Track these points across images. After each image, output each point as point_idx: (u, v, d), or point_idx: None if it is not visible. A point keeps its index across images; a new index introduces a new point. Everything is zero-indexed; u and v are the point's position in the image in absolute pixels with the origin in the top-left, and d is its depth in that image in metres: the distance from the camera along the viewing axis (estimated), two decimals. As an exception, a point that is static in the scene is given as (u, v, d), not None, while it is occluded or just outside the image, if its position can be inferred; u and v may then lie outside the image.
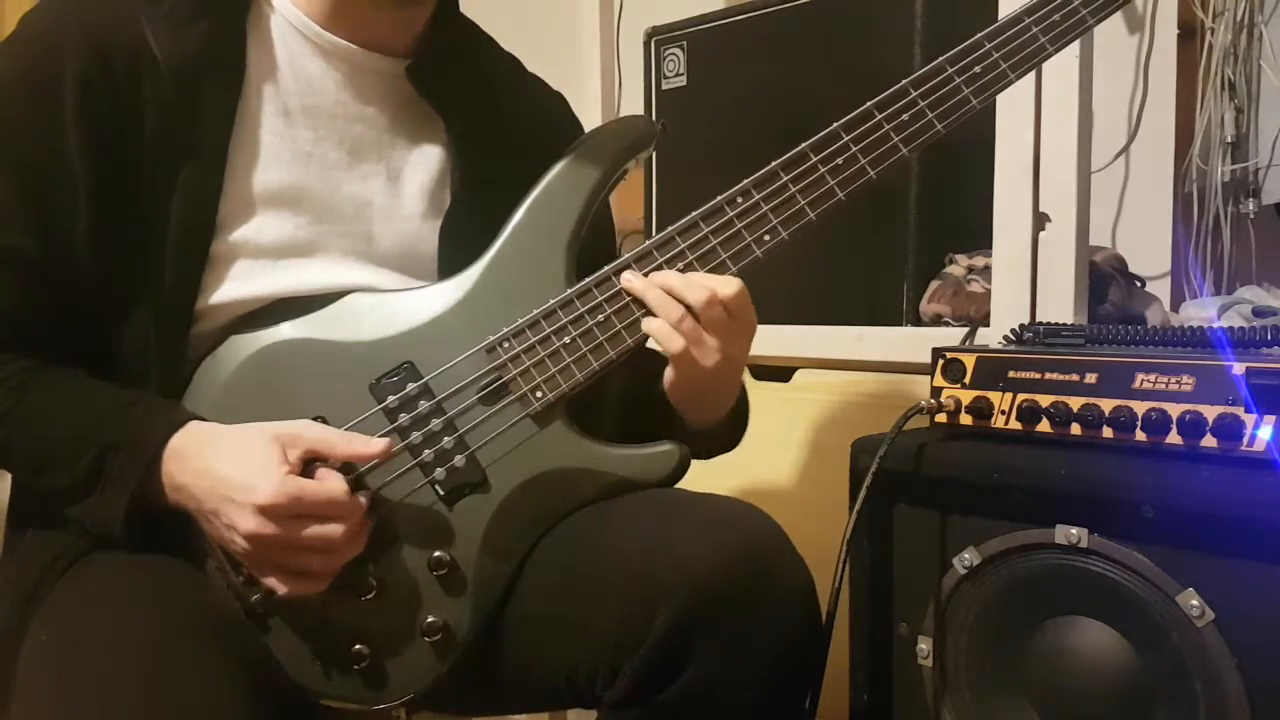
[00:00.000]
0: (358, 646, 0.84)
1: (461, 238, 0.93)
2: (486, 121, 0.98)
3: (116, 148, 0.83)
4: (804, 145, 0.89)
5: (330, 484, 0.80)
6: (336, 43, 0.91)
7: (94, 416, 0.82)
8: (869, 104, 0.89)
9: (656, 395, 0.93)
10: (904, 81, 0.89)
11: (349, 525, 0.79)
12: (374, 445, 0.82)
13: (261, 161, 0.88)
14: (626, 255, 0.89)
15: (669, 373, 0.90)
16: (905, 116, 0.89)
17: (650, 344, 0.89)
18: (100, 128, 0.82)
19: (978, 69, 0.88)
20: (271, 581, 0.80)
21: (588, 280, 0.89)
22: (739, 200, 0.89)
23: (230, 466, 0.78)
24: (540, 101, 1.07)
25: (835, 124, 0.89)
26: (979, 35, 0.89)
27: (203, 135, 0.85)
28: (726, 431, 1.00)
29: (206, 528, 0.81)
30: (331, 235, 0.91)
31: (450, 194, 0.96)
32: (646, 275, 0.88)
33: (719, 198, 0.89)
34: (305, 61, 0.91)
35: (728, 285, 0.87)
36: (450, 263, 0.93)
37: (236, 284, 0.86)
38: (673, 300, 0.86)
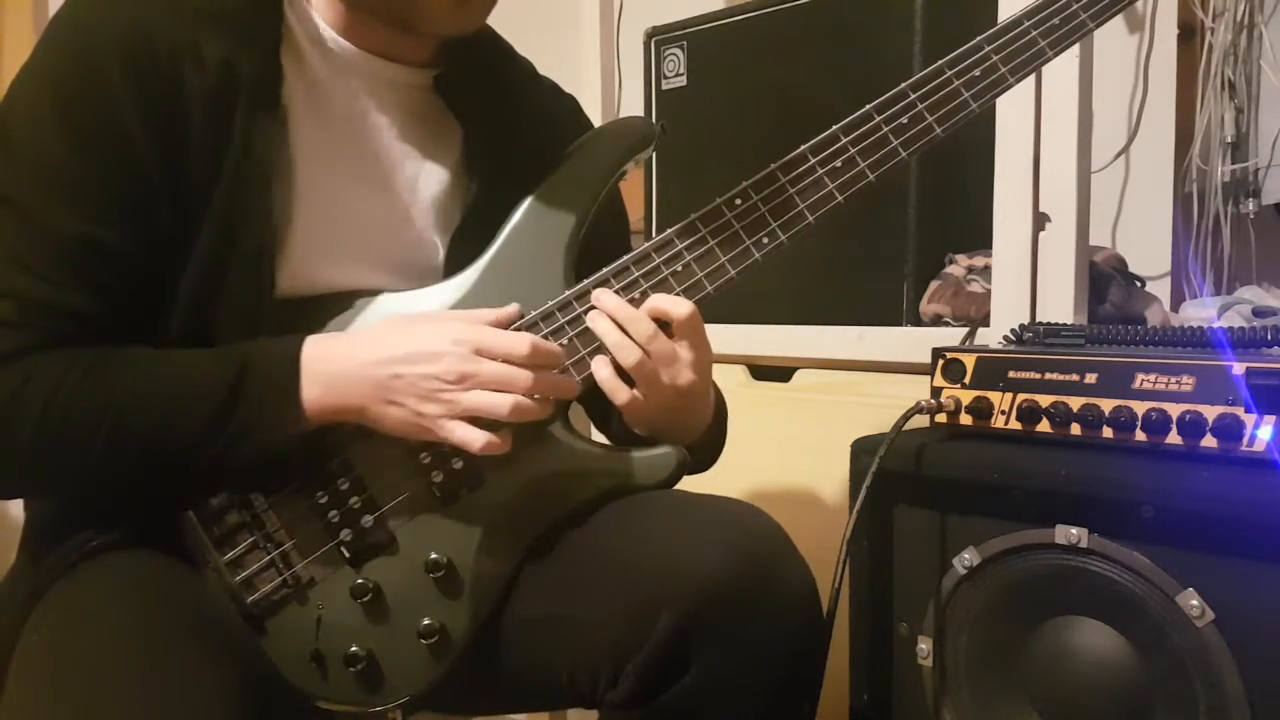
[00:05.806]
0: (354, 649, 0.84)
1: (471, 251, 0.92)
2: (504, 134, 0.96)
3: (171, 139, 0.80)
4: (803, 148, 0.89)
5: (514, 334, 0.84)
6: (355, 53, 0.90)
7: (203, 361, 0.80)
8: (868, 107, 0.89)
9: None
10: (903, 85, 0.89)
11: (529, 374, 0.82)
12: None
13: (284, 173, 0.85)
14: (624, 258, 0.89)
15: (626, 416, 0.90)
16: (904, 120, 0.88)
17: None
18: (160, 127, 0.79)
19: (977, 73, 0.88)
20: (462, 433, 0.81)
21: (586, 282, 0.89)
22: (738, 202, 0.89)
23: (394, 337, 0.82)
24: (555, 111, 1.06)
25: (835, 127, 0.89)
26: (979, 39, 0.89)
27: (245, 151, 0.82)
28: (709, 444, 0.98)
29: (378, 410, 0.82)
30: (343, 245, 0.89)
31: (462, 206, 0.94)
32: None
33: (718, 200, 0.89)
34: (323, 69, 0.89)
35: (678, 307, 0.87)
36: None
37: None
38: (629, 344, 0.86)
